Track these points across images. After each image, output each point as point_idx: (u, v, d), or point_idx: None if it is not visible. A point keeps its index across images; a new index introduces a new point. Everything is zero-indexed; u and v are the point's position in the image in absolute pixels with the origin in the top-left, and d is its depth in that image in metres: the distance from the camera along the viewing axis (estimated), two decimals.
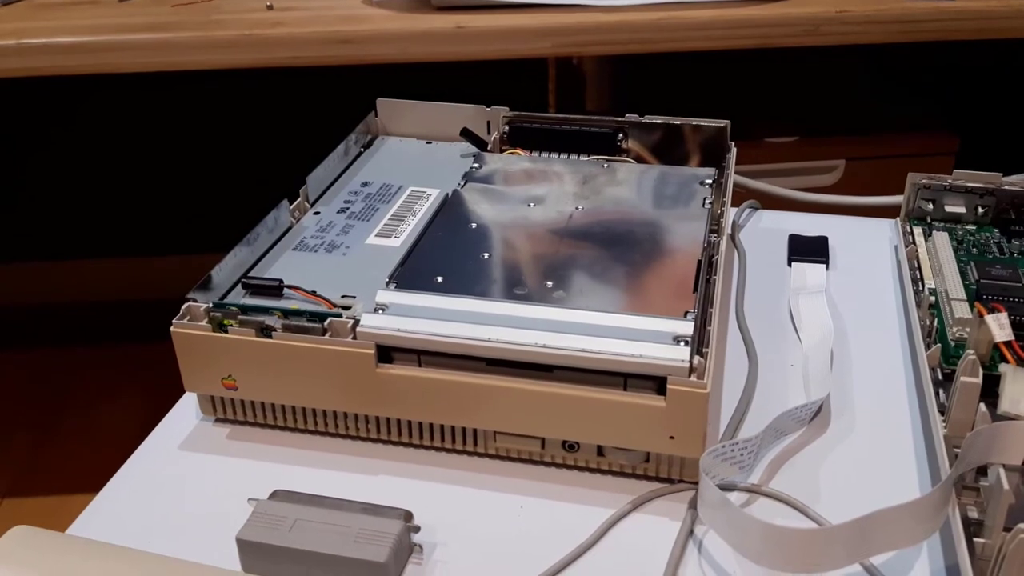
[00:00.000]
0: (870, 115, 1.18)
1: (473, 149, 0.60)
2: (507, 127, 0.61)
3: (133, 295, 1.64)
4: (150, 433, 0.48)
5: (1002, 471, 0.35)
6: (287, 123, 1.46)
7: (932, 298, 0.50)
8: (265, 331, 0.43)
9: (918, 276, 0.53)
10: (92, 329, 1.63)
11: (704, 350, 0.41)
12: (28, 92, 0.95)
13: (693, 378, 0.39)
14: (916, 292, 0.51)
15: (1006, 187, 0.56)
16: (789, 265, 0.59)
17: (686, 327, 0.41)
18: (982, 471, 0.39)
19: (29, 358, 1.58)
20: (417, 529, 0.39)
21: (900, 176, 1.11)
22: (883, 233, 0.62)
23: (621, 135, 0.59)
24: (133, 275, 1.66)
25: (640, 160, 0.59)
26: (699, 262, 0.46)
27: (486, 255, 0.48)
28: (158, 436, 0.47)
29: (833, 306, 0.54)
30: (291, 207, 0.53)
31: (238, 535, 0.38)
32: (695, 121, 0.58)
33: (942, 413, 0.42)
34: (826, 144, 1.17)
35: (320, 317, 0.43)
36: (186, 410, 0.48)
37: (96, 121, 1.51)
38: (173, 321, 0.44)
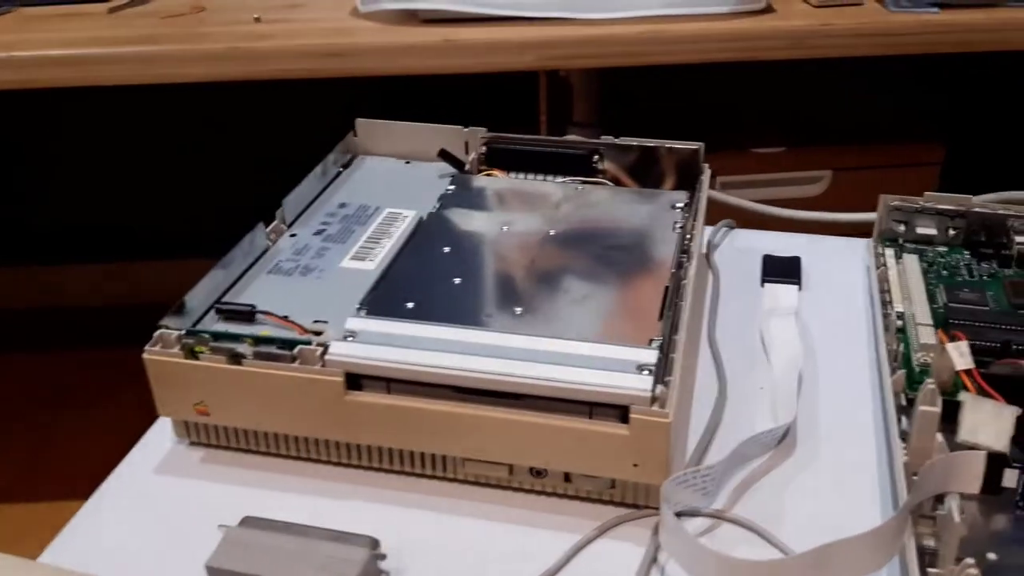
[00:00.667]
0: (857, 125, 1.18)
1: (452, 170, 0.61)
2: (485, 148, 0.61)
3: (128, 299, 1.65)
4: (125, 456, 0.48)
5: (954, 503, 0.35)
6: (274, 132, 1.47)
7: (900, 322, 0.50)
8: (236, 358, 0.44)
9: (887, 299, 0.53)
10: (89, 332, 1.63)
11: (667, 379, 0.41)
12: (21, 98, 0.96)
13: (655, 407, 0.40)
14: (885, 316, 0.52)
15: (977, 209, 0.57)
16: (762, 286, 0.59)
17: (649, 355, 0.42)
18: (940, 499, 0.39)
19: (26, 361, 1.59)
20: (383, 557, 0.39)
21: (886, 187, 1.12)
22: (857, 253, 0.62)
23: (597, 157, 0.59)
24: (129, 279, 1.67)
25: (616, 181, 0.60)
26: (667, 288, 0.47)
27: (457, 280, 0.48)
28: (134, 458, 0.48)
29: (804, 328, 0.55)
30: (268, 229, 0.54)
31: (207, 562, 0.39)
32: (669, 143, 0.59)
33: (904, 440, 0.43)
34: (813, 154, 1.17)
35: (290, 344, 0.43)
36: (162, 432, 0.49)
37: (94, 126, 1.52)
38: (146, 348, 0.44)
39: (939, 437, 0.39)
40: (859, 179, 1.17)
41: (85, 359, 1.58)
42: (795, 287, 0.58)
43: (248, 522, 0.41)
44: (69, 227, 1.62)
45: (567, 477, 0.43)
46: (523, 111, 1.13)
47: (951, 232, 0.57)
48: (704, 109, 1.16)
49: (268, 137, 1.47)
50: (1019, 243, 0.56)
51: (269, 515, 0.42)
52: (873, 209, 0.69)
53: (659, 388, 0.40)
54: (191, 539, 0.42)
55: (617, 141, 0.59)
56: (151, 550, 0.42)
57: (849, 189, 1.17)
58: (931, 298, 0.52)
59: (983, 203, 0.57)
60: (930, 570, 0.36)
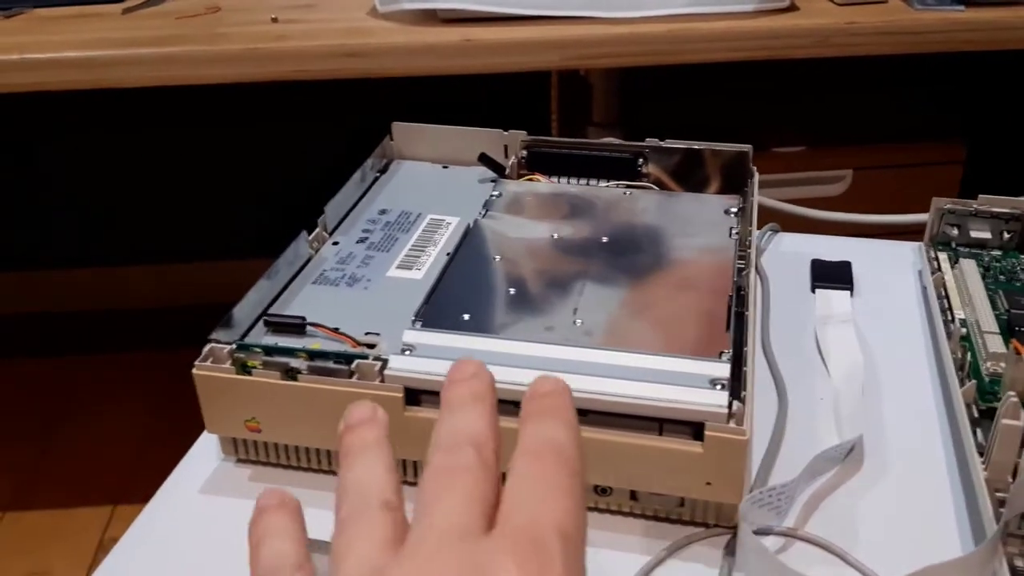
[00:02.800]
0: (878, 124, 1.17)
1: (491, 174, 0.59)
2: (525, 152, 0.60)
3: (132, 304, 1.63)
4: (170, 474, 0.47)
5: None
6: (293, 136, 1.45)
7: (963, 330, 0.49)
8: (290, 373, 0.42)
9: (947, 306, 0.52)
10: (91, 337, 1.62)
11: (742, 393, 0.40)
12: (35, 99, 0.95)
13: (732, 424, 0.38)
14: (946, 323, 0.51)
15: None
16: (813, 291, 0.58)
17: (722, 369, 0.40)
18: None
19: (28, 367, 1.57)
20: None
21: (907, 186, 1.10)
22: (906, 257, 0.61)
23: (641, 160, 0.58)
24: (131, 284, 1.65)
25: (660, 185, 0.58)
26: (730, 297, 0.45)
27: (512, 290, 0.47)
28: (178, 477, 0.46)
29: (859, 334, 0.54)
30: (310, 237, 0.52)
31: None
32: (716, 146, 0.57)
33: (981, 454, 0.41)
34: (833, 154, 1.16)
35: (347, 359, 0.42)
36: (206, 449, 0.47)
37: (101, 130, 1.50)
38: (196, 363, 0.43)
39: None
40: (881, 178, 1.16)
41: (88, 363, 1.56)
42: (847, 293, 0.57)
43: (308, 545, 0.40)
44: (72, 231, 1.60)
45: (633, 495, 0.42)
46: (533, 112, 1.11)
47: (1006, 235, 0.56)
48: (724, 109, 1.15)
49: (286, 140, 1.46)
50: None
51: (324, 537, 0.41)
52: (897, 209, 0.68)
53: (735, 404, 0.39)
54: (243, 563, 0.40)
55: (662, 144, 0.58)
56: (200, 574, 0.41)
57: (870, 188, 1.16)
58: (991, 304, 0.51)
59: None
60: None
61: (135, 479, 0.44)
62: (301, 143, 1.45)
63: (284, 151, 1.47)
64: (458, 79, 0.93)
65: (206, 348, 0.43)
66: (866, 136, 1.16)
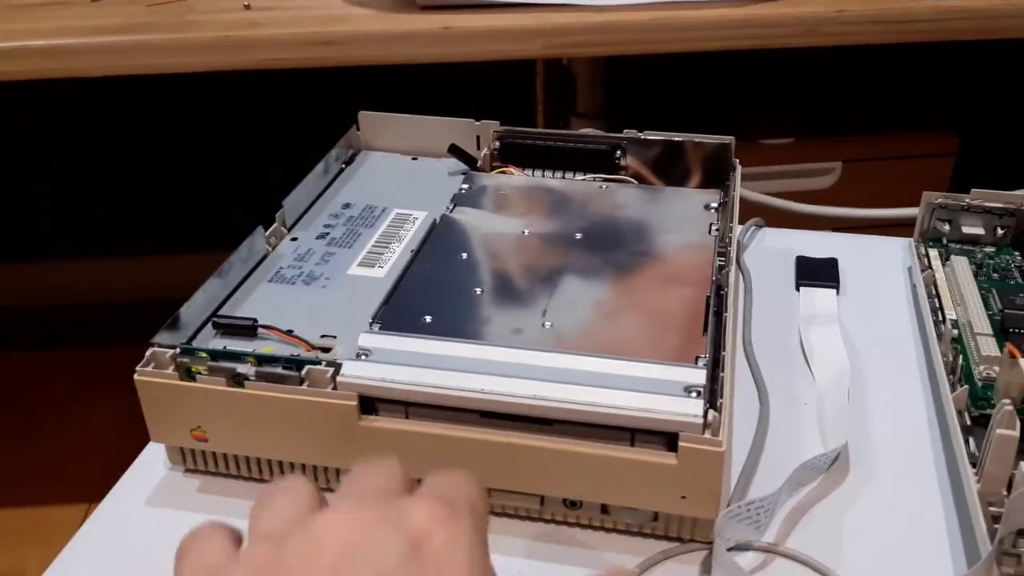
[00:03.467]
0: (867, 116, 1.14)
1: (462, 166, 0.57)
2: (498, 143, 0.57)
3: (109, 297, 1.60)
4: (113, 481, 0.44)
5: None
6: (266, 126, 1.42)
7: (955, 331, 0.47)
8: (237, 379, 0.39)
9: (937, 305, 0.49)
10: (69, 332, 1.58)
11: (719, 401, 0.37)
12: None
13: (707, 434, 0.36)
14: (936, 324, 0.48)
15: None
16: (797, 290, 0.55)
17: (698, 375, 0.38)
18: (1021, 533, 0.35)
19: (3, 362, 1.53)
20: None
21: (898, 179, 1.08)
22: (894, 253, 0.58)
23: (619, 152, 0.55)
24: (107, 277, 1.62)
25: (639, 178, 0.55)
26: (708, 298, 0.43)
27: (478, 290, 0.44)
28: (124, 487, 0.44)
29: (845, 335, 0.51)
30: (267, 233, 0.49)
31: None
32: (697, 138, 0.55)
33: (973, 465, 0.39)
34: (822, 146, 1.14)
35: (297, 364, 0.39)
36: (153, 458, 0.44)
37: (70, 123, 1.47)
38: (137, 368, 0.40)
39: (1023, 465, 0.35)
40: (871, 171, 1.14)
41: (64, 359, 1.53)
42: (833, 291, 0.54)
43: None
44: (47, 223, 1.56)
45: (604, 509, 0.39)
46: (518, 102, 1.08)
47: (999, 231, 0.54)
48: (711, 99, 1.12)
49: (257, 131, 1.43)
50: None
51: None
52: (888, 203, 0.65)
53: (711, 414, 0.36)
54: None
55: (640, 135, 0.55)
56: None
57: (860, 181, 1.13)
58: (984, 303, 0.48)
59: None
60: None
61: (112, 477, 0.42)
62: (273, 135, 1.42)
63: (255, 143, 1.44)
64: (441, 70, 0.90)
65: (148, 352, 0.40)
66: (856, 128, 1.14)
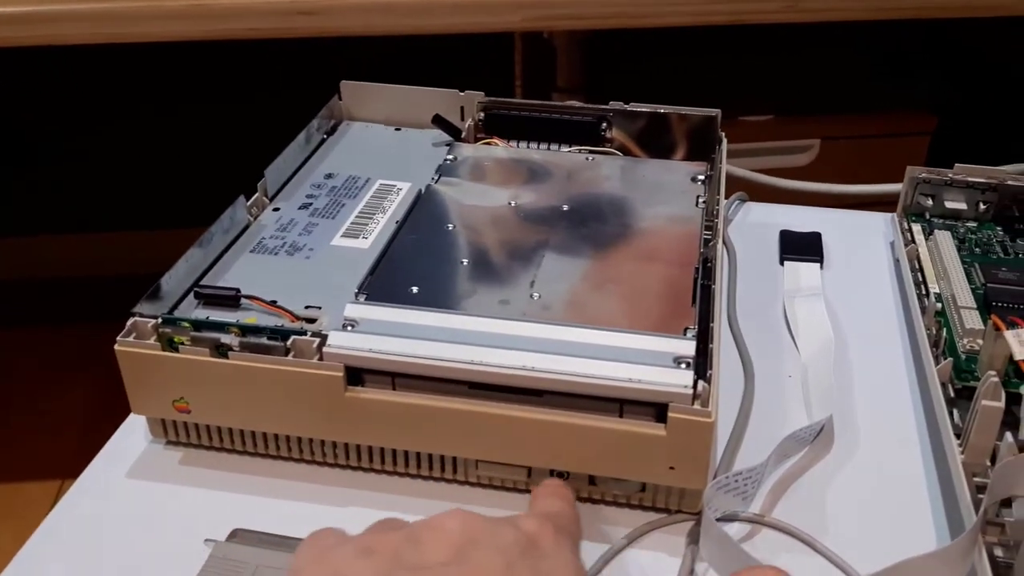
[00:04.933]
0: (846, 94, 1.15)
1: (446, 137, 0.56)
2: (482, 114, 0.56)
3: (79, 272, 1.58)
4: (87, 455, 0.43)
5: None
6: (244, 99, 1.39)
7: (938, 304, 0.47)
8: (220, 350, 0.39)
9: (921, 279, 0.50)
10: (38, 308, 1.56)
11: (708, 372, 0.37)
12: None
13: (697, 405, 0.36)
14: (920, 297, 0.48)
15: (1009, 182, 0.53)
16: (781, 264, 0.55)
17: (687, 347, 0.38)
18: (1005, 503, 0.36)
19: None
20: None
21: (876, 157, 1.08)
22: (877, 228, 0.59)
23: (605, 124, 0.55)
24: (80, 252, 1.59)
25: (624, 150, 0.55)
26: (696, 270, 0.43)
27: (465, 261, 0.44)
28: (103, 461, 0.43)
29: (829, 309, 0.51)
30: (248, 203, 0.49)
31: None
32: (683, 110, 0.54)
33: (957, 436, 0.39)
34: (801, 123, 1.14)
35: (282, 334, 0.39)
36: (134, 430, 0.44)
37: (39, 94, 1.44)
38: (118, 339, 0.39)
39: (1008, 436, 0.35)
40: (848, 149, 1.14)
41: (35, 336, 1.50)
42: (817, 265, 0.54)
43: (239, 536, 0.37)
44: (18, 197, 1.54)
45: (592, 480, 0.39)
46: (496, 77, 1.08)
47: (981, 206, 0.54)
48: (690, 75, 1.12)
49: (240, 102, 1.40)
50: None
51: (260, 526, 0.38)
52: (864, 179, 0.65)
53: (700, 384, 0.36)
54: (173, 555, 0.37)
55: (627, 107, 0.55)
56: (126, 568, 0.37)
57: (838, 159, 1.14)
58: (967, 278, 0.48)
59: (1017, 175, 0.53)
60: None
61: (85, 455, 0.41)
62: (251, 106, 1.40)
63: (233, 114, 1.41)
64: (418, 43, 0.89)
65: (129, 322, 0.39)
66: (835, 106, 1.14)
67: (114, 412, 0.44)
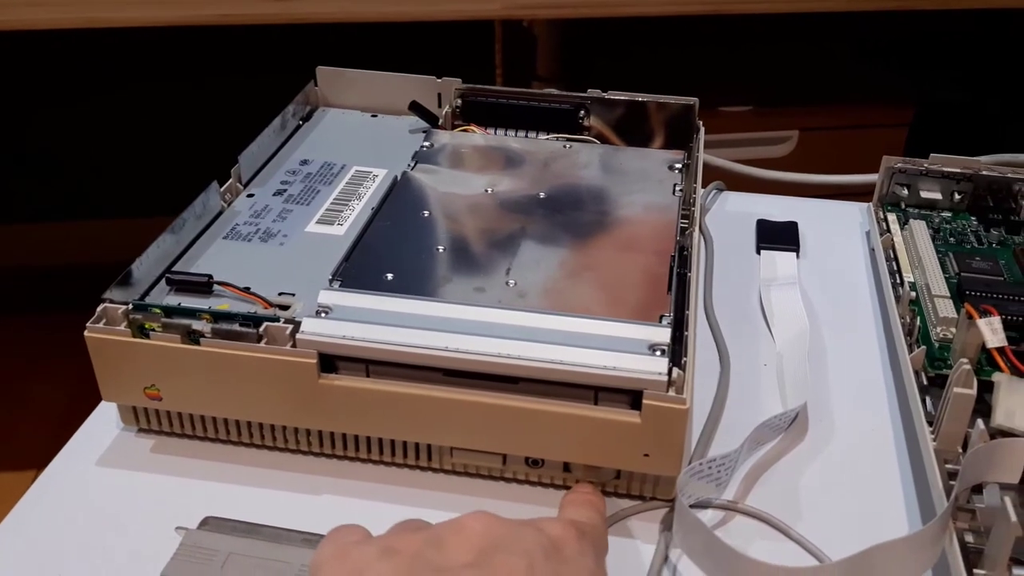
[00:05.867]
0: (824, 86, 1.15)
1: (423, 124, 0.56)
2: (460, 101, 0.56)
3: (52, 261, 1.56)
4: (64, 445, 0.43)
5: (1008, 499, 0.32)
6: (218, 86, 1.38)
7: (912, 293, 0.47)
8: (192, 336, 0.38)
9: (895, 268, 0.50)
10: (13, 297, 1.54)
11: (683, 360, 0.37)
12: None
13: (671, 392, 0.36)
14: (894, 286, 0.49)
15: (984, 172, 0.54)
16: (757, 253, 0.55)
17: (662, 334, 0.38)
18: (976, 489, 0.36)
19: None
20: None
21: (853, 148, 1.09)
22: (853, 217, 0.59)
23: (583, 112, 0.55)
24: (56, 240, 1.58)
25: (602, 139, 0.55)
26: (672, 258, 0.43)
27: (440, 248, 0.43)
28: (74, 447, 0.42)
29: (804, 298, 0.51)
30: (222, 189, 0.48)
31: (164, 571, 0.34)
32: (661, 98, 0.54)
33: (930, 424, 0.39)
34: (779, 114, 1.14)
35: (255, 321, 0.38)
36: (105, 418, 0.43)
37: (11, 80, 1.41)
38: (87, 325, 0.39)
39: (980, 423, 0.36)
40: (826, 140, 1.15)
41: (11, 324, 1.49)
42: (793, 254, 0.55)
43: (210, 524, 0.36)
44: None
45: (566, 467, 0.39)
46: (476, 66, 1.07)
47: (956, 196, 0.54)
48: (670, 65, 1.11)
49: (214, 89, 1.39)
50: None
51: (232, 514, 0.37)
52: (842, 170, 0.65)
53: (675, 372, 0.36)
54: (143, 543, 0.37)
55: (605, 95, 0.55)
56: (97, 556, 0.37)
57: (816, 150, 1.14)
58: (942, 267, 0.49)
59: (991, 166, 0.54)
60: (976, 571, 0.32)
61: (60, 444, 0.41)
62: (225, 93, 1.38)
63: (207, 101, 1.40)
64: (399, 31, 0.89)
65: (99, 308, 0.39)
66: (813, 97, 1.14)
67: (88, 402, 0.44)
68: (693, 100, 0.54)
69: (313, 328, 0.38)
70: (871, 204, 0.56)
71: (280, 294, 0.41)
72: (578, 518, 0.32)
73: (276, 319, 0.38)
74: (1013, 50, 1.15)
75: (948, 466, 0.37)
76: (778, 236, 0.56)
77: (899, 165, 0.55)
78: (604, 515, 0.35)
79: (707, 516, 0.39)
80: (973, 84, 1.20)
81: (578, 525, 0.31)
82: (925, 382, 0.42)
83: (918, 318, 0.45)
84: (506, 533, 0.29)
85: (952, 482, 0.36)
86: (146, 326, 0.39)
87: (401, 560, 0.28)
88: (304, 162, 0.52)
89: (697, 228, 0.46)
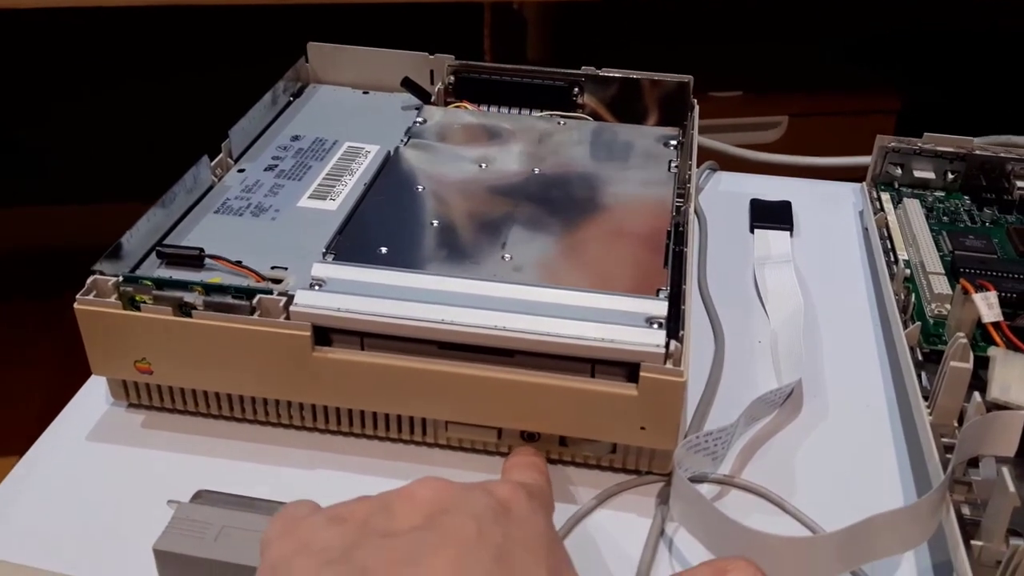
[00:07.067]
0: (814, 72, 1.15)
1: (415, 101, 0.55)
2: (452, 77, 0.55)
3: (42, 242, 1.54)
4: (53, 420, 0.42)
5: (1006, 471, 0.32)
6: (209, 62, 1.36)
7: (907, 270, 0.47)
8: (184, 309, 0.38)
9: (889, 246, 0.50)
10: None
11: (680, 333, 0.37)
12: None
13: (669, 365, 0.36)
14: (889, 264, 0.49)
15: (977, 152, 0.54)
16: (751, 232, 0.55)
17: (659, 307, 0.37)
18: (971, 463, 0.36)
19: None
20: None
21: (843, 134, 1.09)
22: (846, 197, 0.59)
23: (577, 89, 0.54)
24: (38, 224, 1.56)
25: (595, 116, 0.55)
26: (668, 233, 0.42)
27: (435, 223, 0.43)
28: (63, 422, 0.42)
29: (798, 276, 0.51)
30: (212, 164, 0.47)
31: (155, 545, 0.34)
32: (656, 76, 0.54)
33: (925, 398, 0.39)
34: (770, 100, 1.14)
35: (247, 293, 0.38)
36: (95, 393, 0.43)
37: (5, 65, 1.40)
38: (77, 297, 0.38)
39: (976, 396, 0.36)
40: (816, 126, 1.14)
41: None
42: (787, 233, 0.54)
43: (203, 497, 0.36)
44: None
45: (562, 441, 0.39)
46: (465, 48, 1.06)
47: (950, 176, 0.54)
48: (659, 51, 1.11)
49: (204, 65, 1.37)
50: (1020, 188, 0.53)
51: (225, 488, 0.37)
52: (830, 155, 0.65)
53: (672, 344, 0.36)
54: (134, 517, 0.37)
55: (599, 72, 0.54)
56: (87, 531, 0.37)
57: (806, 136, 1.14)
58: (936, 246, 0.49)
59: (985, 146, 0.54)
60: (973, 543, 0.32)
61: (44, 427, 0.40)
62: (215, 69, 1.37)
63: (197, 78, 1.39)
64: (387, 12, 0.88)
65: (89, 280, 0.38)
66: (803, 83, 1.14)
67: (74, 382, 0.43)
68: (688, 78, 0.54)
69: (307, 300, 0.37)
70: (864, 183, 0.56)
71: (273, 268, 0.41)
72: (524, 480, 0.32)
73: (269, 292, 0.38)
74: (1001, 39, 1.15)
75: (944, 440, 0.37)
76: (772, 215, 0.56)
77: (893, 144, 0.55)
78: (548, 476, 0.35)
79: (703, 490, 0.39)
80: (962, 72, 1.20)
81: (526, 487, 0.31)
82: (920, 358, 0.42)
83: (913, 295, 0.45)
84: (455, 496, 0.28)
85: (948, 456, 0.36)
86: (137, 299, 0.38)
87: (348, 527, 0.28)
88: (295, 138, 0.51)
89: (692, 205, 0.46)
